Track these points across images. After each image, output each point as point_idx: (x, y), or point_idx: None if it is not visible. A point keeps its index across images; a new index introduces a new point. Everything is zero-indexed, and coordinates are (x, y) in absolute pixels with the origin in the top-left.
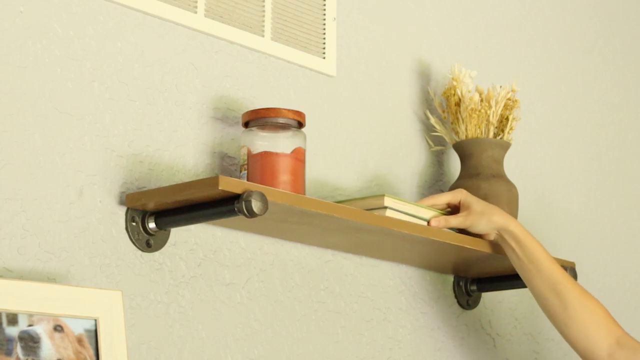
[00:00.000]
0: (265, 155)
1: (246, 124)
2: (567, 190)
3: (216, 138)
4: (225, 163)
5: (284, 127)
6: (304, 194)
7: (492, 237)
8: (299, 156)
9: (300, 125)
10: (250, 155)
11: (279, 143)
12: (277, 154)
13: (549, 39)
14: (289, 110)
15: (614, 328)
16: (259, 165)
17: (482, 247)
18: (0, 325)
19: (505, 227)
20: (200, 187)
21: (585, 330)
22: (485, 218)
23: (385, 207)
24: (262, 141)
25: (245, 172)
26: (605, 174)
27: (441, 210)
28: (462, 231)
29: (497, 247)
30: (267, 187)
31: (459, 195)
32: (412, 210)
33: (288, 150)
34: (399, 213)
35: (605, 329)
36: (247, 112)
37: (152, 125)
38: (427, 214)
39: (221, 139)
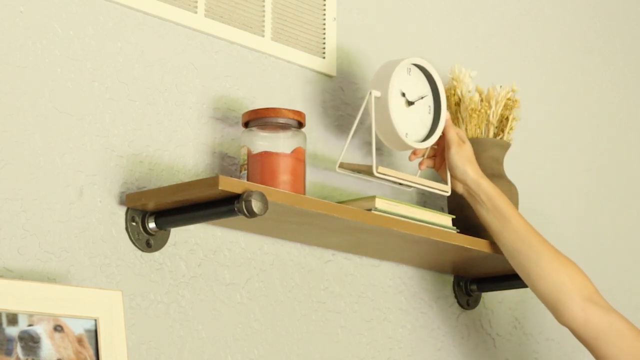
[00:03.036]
0: (265, 155)
1: (246, 124)
2: (567, 190)
3: (216, 138)
4: (225, 163)
5: (284, 127)
6: (304, 194)
7: (459, 188)
8: (299, 156)
9: (300, 125)
10: (250, 155)
11: (279, 143)
12: (277, 154)
13: (549, 39)
14: (289, 110)
15: (587, 283)
16: (259, 165)
17: (482, 247)
18: (0, 325)
19: (477, 180)
20: (200, 187)
21: (559, 283)
22: (465, 163)
23: (376, 209)
24: (262, 141)
25: (245, 172)
26: (606, 174)
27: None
28: (465, 231)
29: (497, 247)
30: (267, 187)
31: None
32: (404, 212)
33: (288, 150)
34: (389, 215)
35: (579, 283)
36: (247, 112)
37: (152, 125)
38: (420, 215)
39: (221, 139)
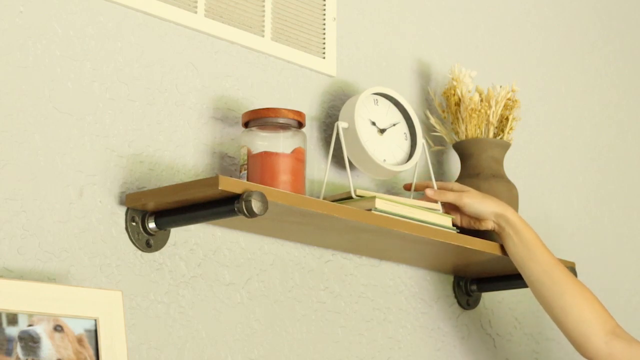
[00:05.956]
0: (265, 155)
1: (246, 124)
2: (567, 190)
3: (216, 138)
4: (225, 163)
5: (284, 127)
6: (304, 194)
7: (490, 225)
8: (299, 156)
9: (300, 125)
10: (250, 155)
11: (279, 143)
12: (277, 154)
13: (549, 39)
14: (289, 110)
15: (609, 318)
16: (259, 166)
17: (482, 248)
18: (0, 325)
19: (503, 214)
20: (200, 187)
21: (583, 317)
22: (484, 203)
23: (376, 209)
24: (262, 141)
25: (245, 172)
26: (605, 174)
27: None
28: (465, 231)
29: (498, 247)
30: (267, 187)
31: (463, 201)
32: (404, 212)
33: (288, 150)
34: (389, 215)
35: (602, 318)
36: (247, 112)
37: (152, 125)
38: (420, 215)
39: (221, 139)
